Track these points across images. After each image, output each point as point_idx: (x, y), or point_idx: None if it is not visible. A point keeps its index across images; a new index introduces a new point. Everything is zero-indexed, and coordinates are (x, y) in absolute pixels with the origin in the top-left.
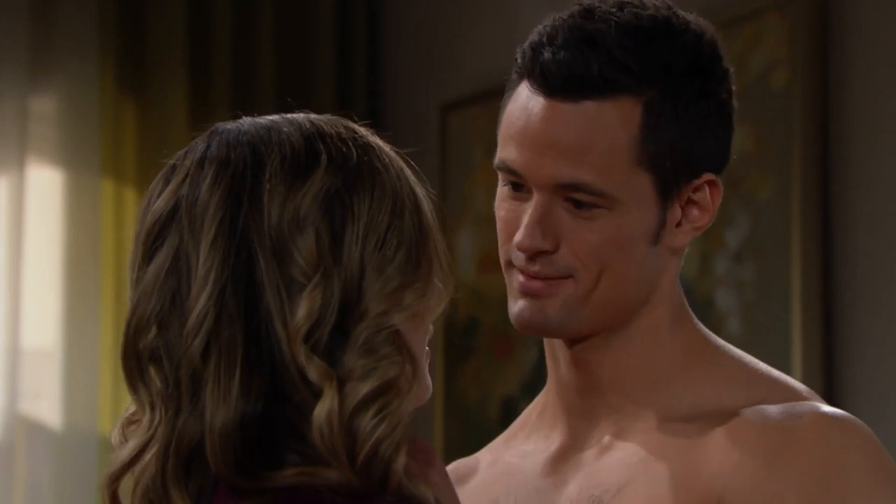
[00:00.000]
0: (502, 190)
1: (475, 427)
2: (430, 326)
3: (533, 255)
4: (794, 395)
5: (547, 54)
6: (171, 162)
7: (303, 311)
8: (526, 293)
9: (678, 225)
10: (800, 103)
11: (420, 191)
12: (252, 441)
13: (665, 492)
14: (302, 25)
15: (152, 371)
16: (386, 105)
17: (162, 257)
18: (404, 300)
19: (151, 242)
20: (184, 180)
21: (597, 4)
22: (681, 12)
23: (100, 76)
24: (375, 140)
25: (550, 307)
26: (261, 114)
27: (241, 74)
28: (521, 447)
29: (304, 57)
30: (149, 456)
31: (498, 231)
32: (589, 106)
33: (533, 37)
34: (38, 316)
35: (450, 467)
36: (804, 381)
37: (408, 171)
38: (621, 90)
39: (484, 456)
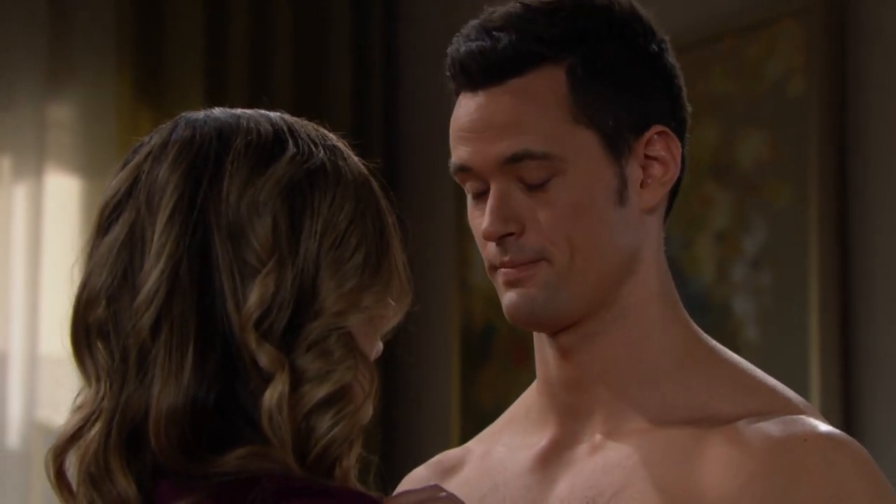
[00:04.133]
0: (469, 202)
1: None
2: (380, 344)
3: (501, 242)
4: (790, 408)
5: (462, 49)
6: (138, 141)
7: (255, 296)
8: (508, 284)
9: (643, 185)
10: (816, 110)
11: (384, 203)
12: (201, 424)
13: (662, 502)
14: (319, 34)
15: (100, 345)
16: (402, 117)
17: (117, 231)
18: (362, 302)
19: (107, 216)
20: (146, 158)
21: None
22: None
23: (117, 84)
24: (343, 147)
25: (534, 291)
26: None
27: (257, 84)
28: (510, 442)
29: (320, 64)
30: (93, 430)
31: (477, 241)
32: (514, 83)
33: (450, 48)
34: (56, 324)
35: (436, 458)
36: (822, 388)
37: (374, 182)
38: (540, 60)
39: (473, 447)
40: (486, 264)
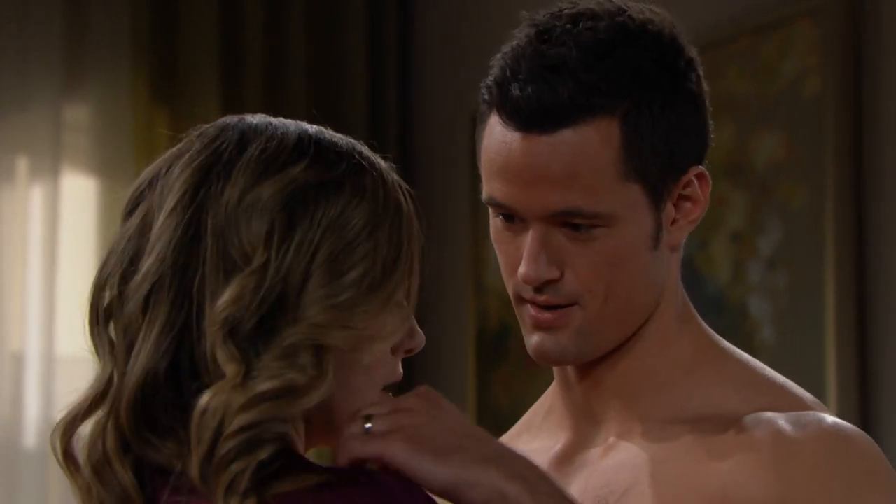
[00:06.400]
0: (495, 221)
1: None
2: (399, 369)
3: (540, 286)
4: (798, 404)
5: (514, 90)
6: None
7: (228, 294)
8: (538, 327)
9: (673, 223)
10: (832, 110)
11: (410, 229)
12: (149, 404)
13: (671, 496)
14: (334, 36)
15: (110, 327)
16: (417, 116)
17: (132, 221)
18: (351, 319)
19: (130, 205)
20: (174, 153)
21: (551, 23)
22: (634, 10)
23: (133, 86)
24: (384, 170)
25: (565, 338)
26: None
27: (273, 84)
28: (527, 447)
29: (336, 67)
30: (100, 409)
31: (501, 266)
32: (567, 134)
33: (496, 71)
34: (73, 323)
35: None
36: (838, 389)
37: (406, 207)
38: (595, 111)
39: None
40: (511, 291)
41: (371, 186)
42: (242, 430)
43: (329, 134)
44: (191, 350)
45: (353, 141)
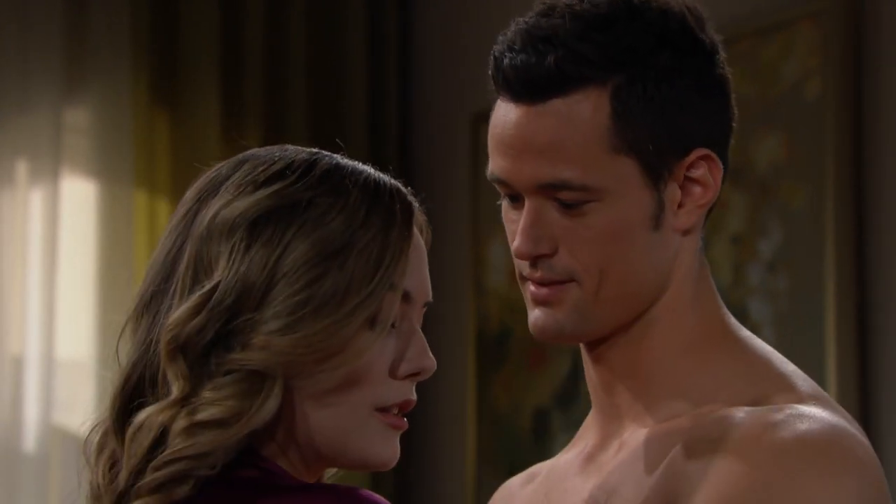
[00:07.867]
0: (504, 204)
1: (507, 436)
2: (406, 392)
3: (533, 261)
4: (790, 397)
5: (506, 60)
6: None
7: (180, 311)
8: (536, 301)
9: (680, 206)
10: (833, 112)
11: (405, 250)
12: (120, 416)
13: (642, 492)
14: (334, 36)
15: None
16: (417, 116)
17: (156, 250)
18: (309, 339)
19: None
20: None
21: (557, 1)
22: None
23: (133, 88)
24: (382, 190)
25: (560, 313)
26: (291, 124)
27: (273, 87)
28: (575, 449)
29: (335, 68)
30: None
31: (510, 245)
32: (556, 103)
33: (497, 46)
34: (72, 327)
35: (533, 467)
36: (838, 391)
37: (399, 229)
38: (585, 82)
39: (554, 458)
40: (517, 271)
41: (352, 205)
42: (174, 461)
43: (332, 159)
44: (153, 366)
45: (357, 165)
